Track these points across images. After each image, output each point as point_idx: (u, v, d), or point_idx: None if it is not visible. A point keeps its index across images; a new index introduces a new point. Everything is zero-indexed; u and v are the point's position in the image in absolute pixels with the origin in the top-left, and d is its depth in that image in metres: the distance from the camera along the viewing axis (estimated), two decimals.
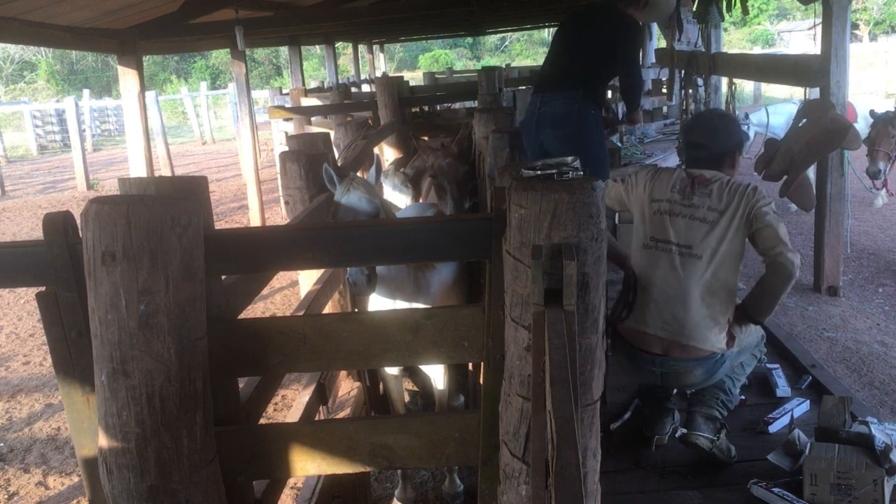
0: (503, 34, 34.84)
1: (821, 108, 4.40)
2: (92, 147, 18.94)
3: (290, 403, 4.18)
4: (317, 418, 2.90)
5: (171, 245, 1.47)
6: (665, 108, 8.57)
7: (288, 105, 8.70)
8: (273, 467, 1.76)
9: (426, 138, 5.14)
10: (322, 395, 2.94)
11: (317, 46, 21.57)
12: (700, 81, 6.57)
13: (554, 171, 1.45)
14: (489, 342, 1.66)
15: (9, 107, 22.15)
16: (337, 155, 4.32)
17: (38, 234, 2.20)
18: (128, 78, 5.95)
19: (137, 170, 6.07)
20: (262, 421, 2.24)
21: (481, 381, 1.74)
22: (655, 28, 9.32)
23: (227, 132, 20.38)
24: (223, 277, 1.85)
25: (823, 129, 4.24)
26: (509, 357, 1.56)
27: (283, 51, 22.81)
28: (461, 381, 3.47)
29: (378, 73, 16.49)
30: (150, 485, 1.51)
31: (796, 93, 11.18)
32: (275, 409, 4.31)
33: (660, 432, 2.76)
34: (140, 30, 5.94)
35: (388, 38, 18.08)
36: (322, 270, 3.10)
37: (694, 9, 6.93)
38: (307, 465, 1.75)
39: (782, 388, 3.17)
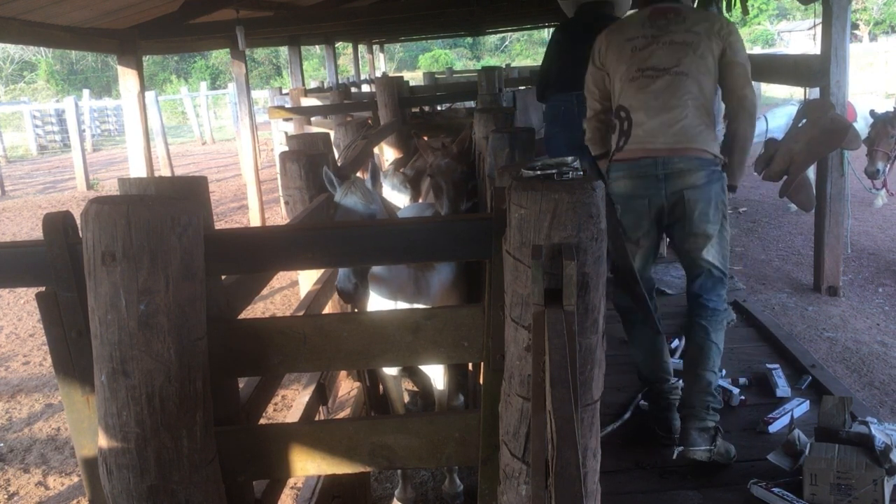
0: (503, 34, 34.86)
1: (821, 108, 4.39)
2: (92, 147, 18.94)
3: (290, 403, 4.18)
4: (317, 418, 2.90)
5: (171, 245, 1.47)
6: None
7: (288, 105, 8.69)
8: (273, 467, 1.76)
9: (427, 138, 5.13)
10: (322, 395, 2.94)
11: (317, 46, 21.58)
12: None
13: (554, 171, 1.45)
14: (489, 342, 1.65)
15: (9, 107, 22.16)
16: (337, 155, 4.32)
17: (38, 234, 2.20)
18: (128, 78, 5.95)
19: (137, 170, 6.07)
20: (262, 421, 2.25)
21: (481, 381, 1.74)
22: None
23: (227, 132, 20.38)
24: (223, 277, 1.85)
25: (823, 129, 4.24)
26: (509, 357, 1.56)
27: (283, 51, 22.83)
28: (461, 381, 3.47)
29: (378, 73, 16.49)
30: (150, 485, 1.51)
31: (796, 93, 11.18)
32: (275, 409, 4.31)
33: (693, 444, 2.61)
34: (140, 30, 5.94)
35: (388, 38, 18.08)
36: (322, 270, 3.10)
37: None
38: (307, 466, 1.75)
39: (782, 388, 3.18)
